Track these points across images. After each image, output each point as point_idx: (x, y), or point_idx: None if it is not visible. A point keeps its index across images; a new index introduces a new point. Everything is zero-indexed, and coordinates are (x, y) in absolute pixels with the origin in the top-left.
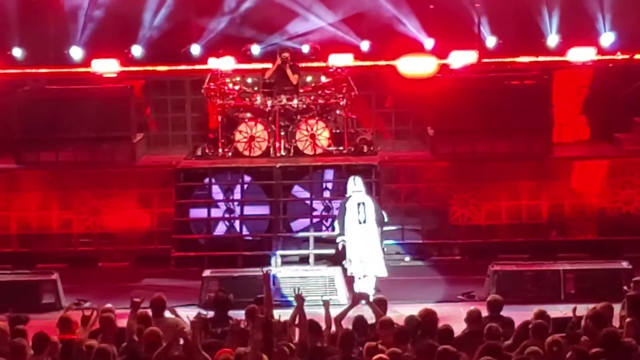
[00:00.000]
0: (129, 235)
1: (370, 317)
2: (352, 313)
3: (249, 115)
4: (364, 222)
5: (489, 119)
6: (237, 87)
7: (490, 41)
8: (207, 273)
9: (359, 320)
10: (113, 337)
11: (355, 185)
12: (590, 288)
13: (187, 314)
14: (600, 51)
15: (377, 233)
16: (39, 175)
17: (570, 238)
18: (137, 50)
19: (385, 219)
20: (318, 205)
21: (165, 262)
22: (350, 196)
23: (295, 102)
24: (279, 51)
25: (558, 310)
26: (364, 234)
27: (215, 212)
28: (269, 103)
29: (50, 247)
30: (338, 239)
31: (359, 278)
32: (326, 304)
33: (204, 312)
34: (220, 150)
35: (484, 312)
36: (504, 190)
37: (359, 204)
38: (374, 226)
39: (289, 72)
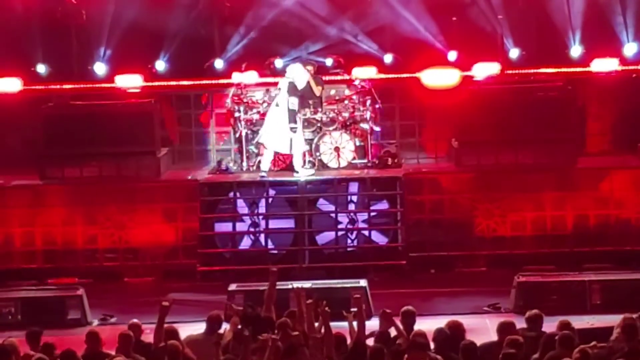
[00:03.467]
0: (154, 250)
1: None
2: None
3: None
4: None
5: (513, 130)
6: (261, 101)
7: (514, 53)
8: (232, 287)
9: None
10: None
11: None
12: (616, 299)
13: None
14: (624, 62)
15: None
16: (63, 191)
17: (595, 248)
18: (160, 65)
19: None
20: (343, 218)
21: (190, 276)
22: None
23: (319, 115)
24: (303, 64)
25: (584, 321)
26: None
27: (240, 226)
28: None
29: (76, 263)
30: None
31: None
32: (349, 318)
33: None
34: (244, 164)
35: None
36: (528, 202)
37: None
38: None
39: (312, 85)
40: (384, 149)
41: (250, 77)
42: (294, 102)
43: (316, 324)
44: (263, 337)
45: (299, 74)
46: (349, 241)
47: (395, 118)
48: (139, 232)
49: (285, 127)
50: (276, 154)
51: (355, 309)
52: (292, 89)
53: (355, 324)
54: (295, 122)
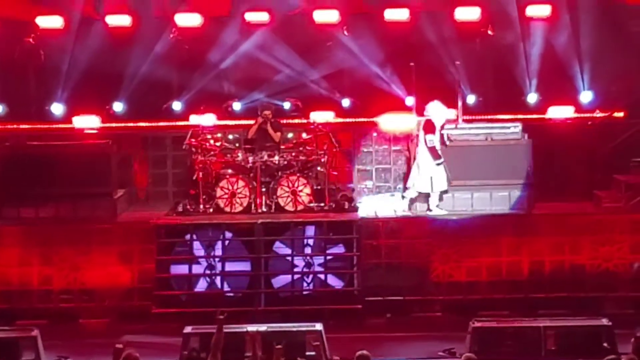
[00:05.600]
0: (110, 291)
1: None
2: None
3: (230, 171)
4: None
5: (470, 174)
6: (218, 144)
7: (470, 99)
8: (188, 329)
9: None
10: None
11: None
12: (571, 345)
13: None
14: (579, 109)
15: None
16: (19, 231)
17: (550, 294)
18: (118, 107)
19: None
20: (299, 262)
21: (146, 318)
22: None
23: (276, 158)
24: (261, 108)
25: None
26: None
27: (197, 269)
28: (251, 159)
29: (31, 304)
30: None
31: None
32: None
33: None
34: (201, 206)
35: None
36: (484, 247)
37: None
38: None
39: (270, 129)
40: (340, 193)
41: (208, 119)
42: (432, 138)
43: None
44: None
45: (437, 111)
46: (305, 285)
47: (352, 162)
48: (95, 273)
49: (426, 166)
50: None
51: (312, 353)
52: (430, 127)
53: None
54: (439, 157)
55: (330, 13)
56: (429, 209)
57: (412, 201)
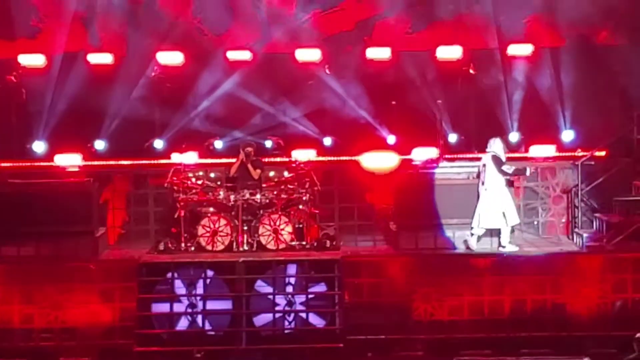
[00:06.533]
0: (91, 330)
1: None
2: None
3: (212, 209)
4: (483, 184)
5: (451, 213)
6: (200, 182)
7: (452, 137)
8: None
9: None
10: None
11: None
12: None
13: None
14: (561, 148)
15: (497, 193)
16: (0, 270)
17: (532, 333)
18: (100, 145)
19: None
20: (281, 300)
21: (127, 357)
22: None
23: (258, 196)
24: (242, 146)
25: None
26: (484, 194)
27: (178, 307)
28: (232, 198)
29: (12, 342)
30: None
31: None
32: None
33: None
34: (183, 244)
35: None
36: (466, 286)
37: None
38: (493, 187)
39: (251, 167)
40: (322, 232)
41: (190, 157)
42: (506, 168)
43: None
44: None
45: (498, 147)
46: (287, 323)
47: (334, 201)
48: (76, 311)
49: (497, 202)
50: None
51: None
52: (497, 161)
53: None
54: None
55: (312, 52)
56: (500, 245)
57: (479, 238)
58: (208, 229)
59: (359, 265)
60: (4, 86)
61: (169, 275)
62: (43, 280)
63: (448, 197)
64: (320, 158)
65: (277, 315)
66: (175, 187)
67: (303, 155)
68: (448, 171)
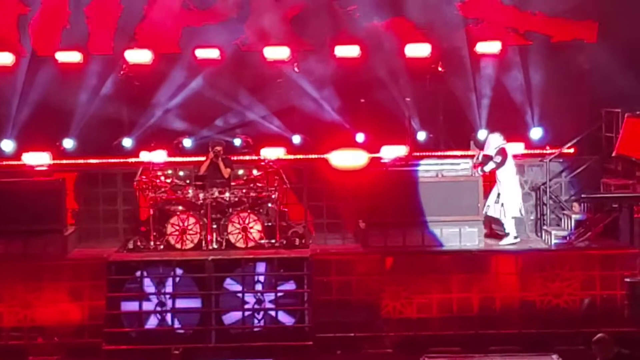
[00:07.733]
0: (60, 328)
1: None
2: None
3: (180, 208)
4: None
5: (420, 212)
6: (169, 180)
7: (421, 135)
8: None
9: None
10: None
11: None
12: None
13: None
14: (529, 146)
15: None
16: None
17: (501, 331)
18: (68, 143)
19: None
20: (250, 299)
21: (96, 355)
22: None
23: (227, 195)
24: (211, 144)
25: None
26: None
27: (147, 306)
28: (201, 196)
29: None
30: None
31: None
32: None
33: None
34: (152, 243)
35: None
36: (435, 283)
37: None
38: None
39: (220, 165)
40: (291, 230)
41: (158, 156)
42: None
43: None
44: None
45: (495, 141)
46: (256, 321)
47: (303, 199)
48: (45, 310)
49: (503, 193)
50: None
51: None
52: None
53: None
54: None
55: (281, 50)
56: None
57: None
58: (177, 228)
59: (328, 263)
60: None
61: (138, 273)
62: (12, 278)
63: (417, 195)
64: (290, 156)
65: (247, 313)
66: (144, 186)
67: (272, 153)
68: (417, 169)
